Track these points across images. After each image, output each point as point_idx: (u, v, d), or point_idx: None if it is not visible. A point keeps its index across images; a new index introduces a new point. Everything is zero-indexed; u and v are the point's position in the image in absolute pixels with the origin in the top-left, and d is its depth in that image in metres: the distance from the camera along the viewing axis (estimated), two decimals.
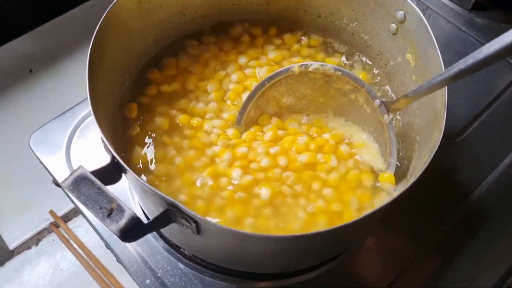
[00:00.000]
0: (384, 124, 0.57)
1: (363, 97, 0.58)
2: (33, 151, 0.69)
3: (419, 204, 0.67)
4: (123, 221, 0.41)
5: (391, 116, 0.55)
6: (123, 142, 0.59)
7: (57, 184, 0.69)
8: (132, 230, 0.41)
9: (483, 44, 0.81)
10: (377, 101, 0.56)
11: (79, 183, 0.43)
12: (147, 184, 0.44)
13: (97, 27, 0.53)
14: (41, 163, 0.69)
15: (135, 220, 0.41)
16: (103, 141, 0.47)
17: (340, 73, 0.58)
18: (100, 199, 0.42)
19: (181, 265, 0.61)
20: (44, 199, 0.84)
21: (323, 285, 0.62)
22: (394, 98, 0.63)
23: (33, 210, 0.84)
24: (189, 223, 0.44)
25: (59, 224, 0.82)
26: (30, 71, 0.98)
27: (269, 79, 0.59)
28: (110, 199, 0.42)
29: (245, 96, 0.62)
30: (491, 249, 0.66)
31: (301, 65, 0.58)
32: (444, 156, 0.71)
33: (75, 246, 0.81)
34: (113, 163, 0.46)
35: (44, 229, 0.83)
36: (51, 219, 0.83)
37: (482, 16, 0.85)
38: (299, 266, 0.59)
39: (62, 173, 0.67)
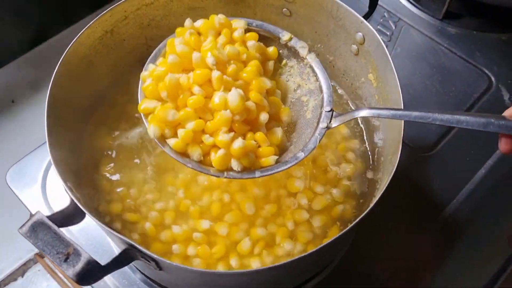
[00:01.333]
0: (316, 128, 0.54)
1: (315, 101, 0.56)
2: (10, 187, 0.70)
3: (394, 219, 0.67)
4: (79, 265, 0.42)
5: (332, 124, 0.53)
6: (94, 176, 0.60)
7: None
8: (89, 274, 0.42)
9: (455, 54, 0.83)
10: (328, 108, 0.54)
11: (36, 229, 0.44)
12: (103, 225, 0.44)
13: (57, 66, 0.53)
14: (18, 198, 0.69)
15: (91, 263, 0.42)
16: (62, 184, 0.48)
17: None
18: (57, 244, 0.43)
19: None
20: None
21: None
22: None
23: (18, 241, 0.85)
24: (149, 261, 0.45)
25: (44, 254, 0.83)
26: (12, 101, 0.99)
27: None
28: (67, 243, 0.43)
29: None
30: (468, 264, 0.66)
31: None
32: (417, 169, 0.72)
33: (61, 275, 0.81)
34: (73, 204, 0.47)
35: (29, 260, 0.84)
36: (36, 250, 0.84)
37: (454, 25, 0.85)
38: None
39: (38, 208, 0.68)
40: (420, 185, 0.71)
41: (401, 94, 0.52)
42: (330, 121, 0.53)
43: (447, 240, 0.67)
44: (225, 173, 0.49)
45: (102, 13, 0.57)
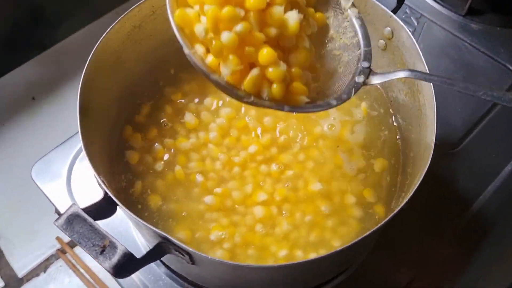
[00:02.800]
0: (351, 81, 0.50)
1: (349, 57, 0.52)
2: (35, 183, 0.70)
3: (419, 217, 0.66)
4: (115, 258, 0.42)
5: (370, 80, 0.50)
6: (122, 170, 0.60)
7: (59, 214, 0.70)
8: (125, 266, 0.42)
9: (478, 50, 0.82)
10: (366, 64, 0.50)
11: (72, 221, 0.44)
12: (138, 219, 0.44)
13: (88, 61, 0.54)
14: (44, 194, 0.70)
15: (127, 256, 0.42)
16: (95, 177, 0.48)
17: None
18: (93, 236, 0.43)
19: None
20: (51, 225, 0.84)
21: None
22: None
23: (40, 237, 0.85)
24: (183, 254, 0.45)
25: (65, 250, 0.84)
26: (33, 98, 1.00)
27: None
28: (103, 236, 0.43)
29: None
30: (495, 262, 0.65)
31: None
32: (443, 167, 0.71)
33: (82, 271, 0.82)
34: (106, 197, 0.47)
35: (51, 256, 0.84)
36: (58, 246, 0.85)
37: (477, 21, 0.84)
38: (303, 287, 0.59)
39: (63, 203, 0.68)
40: (445, 182, 0.70)
41: (433, 89, 0.52)
42: (368, 78, 0.50)
43: (473, 239, 0.67)
44: (252, 97, 0.45)
45: (131, 8, 0.57)
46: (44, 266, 0.83)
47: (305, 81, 0.49)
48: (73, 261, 0.83)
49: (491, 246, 0.66)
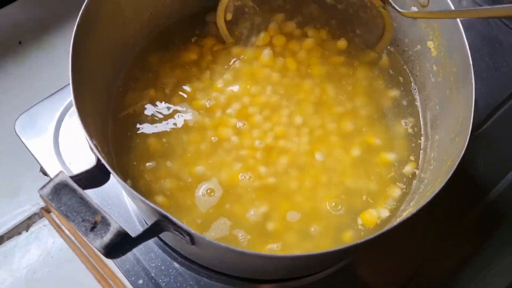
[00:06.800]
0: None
1: None
2: (19, 137, 0.64)
3: (432, 202, 0.62)
4: (108, 237, 0.37)
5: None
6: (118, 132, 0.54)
7: (45, 173, 0.65)
8: (118, 246, 0.37)
9: (508, 26, 0.76)
10: None
11: (60, 191, 0.38)
12: (133, 192, 0.39)
13: (83, 6, 0.47)
14: (28, 149, 0.64)
15: (121, 235, 0.37)
16: (87, 141, 0.42)
17: None
18: (83, 210, 0.38)
19: (176, 265, 0.57)
20: (35, 182, 0.79)
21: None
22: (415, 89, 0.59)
23: (23, 194, 0.80)
24: (183, 235, 0.40)
25: (50, 209, 0.78)
26: (19, 42, 0.92)
27: None
28: (94, 210, 0.38)
29: None
30: (505, 256, 0.62)
31: None
32: None
33: (68, 232, 0.77)
34: (99, 165, 0.42)
35: (34, 214, 0.79)
36: (42, 204, 0.79)
37: None
38: (303, 273, 0.55)
39: (50, 162, 0.63)
40: (462, 167, 0.65)
41: (471, 67, 0.46)
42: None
43: (488, 228, 0.63)
44: None
45: None
46: (26, 224, 0.78)
47: None
48: (58, 221, 0.78)
49: (505, 237, 0.63)
